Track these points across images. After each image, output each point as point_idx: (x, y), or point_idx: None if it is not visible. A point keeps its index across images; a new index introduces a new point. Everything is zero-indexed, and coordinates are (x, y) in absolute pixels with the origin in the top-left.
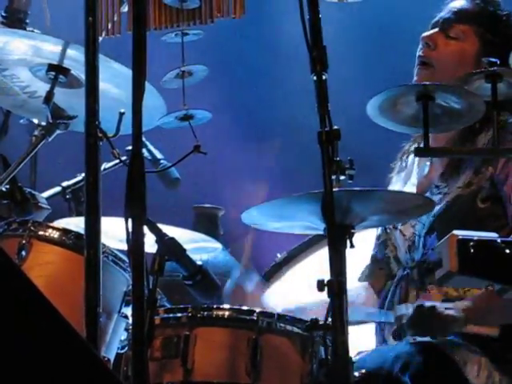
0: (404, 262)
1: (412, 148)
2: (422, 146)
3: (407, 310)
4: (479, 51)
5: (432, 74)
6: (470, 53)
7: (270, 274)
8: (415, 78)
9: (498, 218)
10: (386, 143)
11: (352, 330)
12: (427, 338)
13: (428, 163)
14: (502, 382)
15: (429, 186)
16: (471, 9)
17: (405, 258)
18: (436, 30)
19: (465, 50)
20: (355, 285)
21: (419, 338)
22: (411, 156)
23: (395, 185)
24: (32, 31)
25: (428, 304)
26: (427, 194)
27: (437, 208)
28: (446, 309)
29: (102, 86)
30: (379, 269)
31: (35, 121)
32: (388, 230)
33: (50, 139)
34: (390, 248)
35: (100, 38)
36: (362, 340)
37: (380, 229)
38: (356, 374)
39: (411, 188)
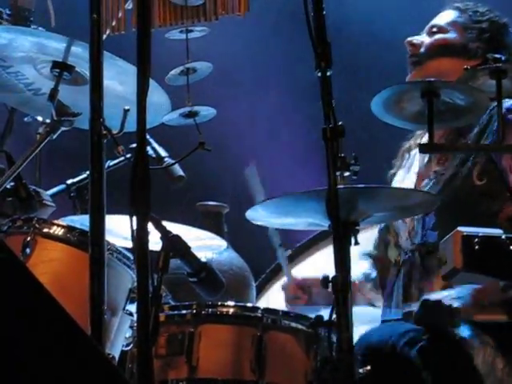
0: (405, 248)
1: (413, 145)
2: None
3: (414, 306)
4: (463, 39)
5: (420, 69)
6: (454, 40)
7: (276, 272)
8: (407, 78)
9: (496, 197)
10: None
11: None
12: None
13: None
14: (504, 370)
15: (428, 173)
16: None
17: (405, 245)
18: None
19: (447, 38)
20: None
21: None
22: (413, 152)
23: (398, 178)
24: (36, 29)
25: (434, 298)
26: (426, 181)
27: (435, 189)
28: (452, 299)
29: (107, 83)
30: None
31: (40, 118)
32: None
33: (54, 136)
34: (391, 234)
35: (104, 36)
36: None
37: None
38: (360, 370)
39: (413, 177)
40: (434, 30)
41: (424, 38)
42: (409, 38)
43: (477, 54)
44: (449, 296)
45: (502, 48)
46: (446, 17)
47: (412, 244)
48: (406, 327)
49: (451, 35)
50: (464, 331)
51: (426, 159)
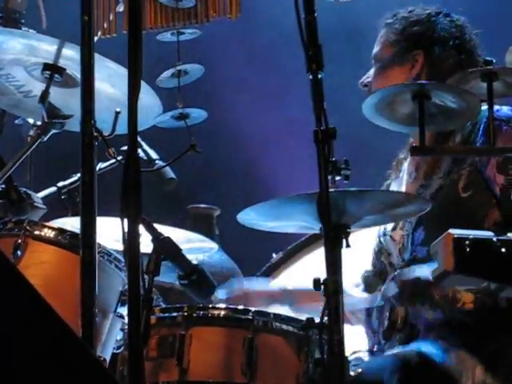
0: (396, 265)
1: (402, 159)
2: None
3: (394, 289)
4: (390, 54)
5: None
6: (385, 62)
7: (266, 275)
8: None
9: (482, 206)
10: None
11: (347, 330)
12: (420, 348)
13: (414, 169)
14: None
15: (415, 187)
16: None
17: (397, 261)
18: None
19: (380, 64)
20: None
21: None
22: (405, 163)
23: (392, 188)
24: (27, 31)
25: (412, 276)
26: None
27: None
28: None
29: (98, 85)
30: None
31: (30, 120)
32: (382, 239)
33: (45, 139)
34: (384, 255)
35: (96, 38)
36: (356, 340)
37: (375, 241)
38: (351, 373)
39: (403, 189)
40: (373, 61)
41: (370, 73)
42: (360, 80)
43: (408, 59)
44: (426, 271)
45: (424, 42)
46: (377, 42)
47: (402, 261)
48: (395, 361)
49: (382, 60)
50: (451, 357)
51: (414, 175)
